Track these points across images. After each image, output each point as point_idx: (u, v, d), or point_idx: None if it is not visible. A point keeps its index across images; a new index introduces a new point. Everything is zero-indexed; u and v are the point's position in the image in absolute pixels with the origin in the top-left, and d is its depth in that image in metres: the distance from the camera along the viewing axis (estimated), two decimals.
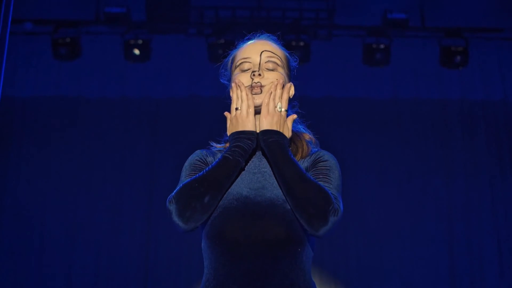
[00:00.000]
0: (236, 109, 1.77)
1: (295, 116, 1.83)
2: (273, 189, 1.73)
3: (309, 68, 6.27)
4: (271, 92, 1.77)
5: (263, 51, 1.83)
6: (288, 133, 1.77)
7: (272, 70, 1.81)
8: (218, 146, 1.92)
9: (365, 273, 6.30)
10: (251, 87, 1.78)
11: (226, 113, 1.81)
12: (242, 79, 1.80)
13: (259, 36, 1.91)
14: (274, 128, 1.73)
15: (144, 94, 6.73)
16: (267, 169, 1.78)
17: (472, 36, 6.53)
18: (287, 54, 1.91)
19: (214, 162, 1.72)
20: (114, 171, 6.51)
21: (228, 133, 1.79)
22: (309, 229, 1.64)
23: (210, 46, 6.26)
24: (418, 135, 6.67)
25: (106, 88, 6.71)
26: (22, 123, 6.62)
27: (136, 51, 6.39)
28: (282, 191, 1.70)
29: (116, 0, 6.39)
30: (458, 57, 6.37)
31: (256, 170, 1.78)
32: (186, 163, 1.85)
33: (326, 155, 1.82)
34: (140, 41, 6.36)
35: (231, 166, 1.70)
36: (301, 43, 6.18)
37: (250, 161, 1.80)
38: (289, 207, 1.69)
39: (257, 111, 1.80)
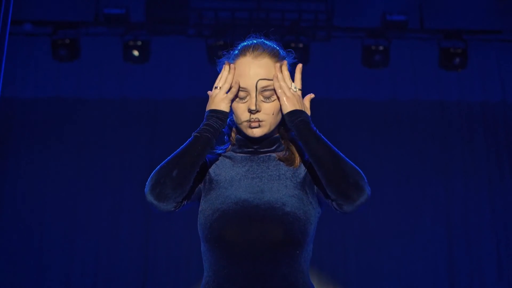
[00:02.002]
0: (216, 87, 1.79)
1: (312, 95, 1.84)
2: (271, 193, 1.74)
3: (308, 70, 6.23)
4: (277, 76, 1.77)
5: (258, 80, 1.78)
6: (308, 112, 1.79)
7: (269, 98, 1.78)
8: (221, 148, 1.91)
9: (364, 275, 6.30)
10: (249, 122, 1.77)
11: (208, 92, 1.83)
12: (239, 111, 1.79)
13: (253, 44, 1.84)
14: (297, 108, 1.75)
15: (143, 96, 6.73)
16: (265, 174, 1.79)
17: (471, 38, 6.53)
18: (282, 63, 1.84)
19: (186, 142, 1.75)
20: (113, 172, 6.51)
21: (206, 110, 1.81)
22: (345, 201, 1.65)
23: (209, 48, 6.26)
24: (417, 137, 6.67)
25: (105, 89, 6.71)
26: (21, 124, 6.62)
27: (135, 52, 6.39)
28: (315, 168, 1.70)
29: (115, 1, 6.39)
30: (457, 59, 6.37)
31: (254, 175, 1.79)
32: None
33: None
34: (139, 42, 6.36)
35: (200, 142, 1.72)
36: (300, 45, 6.19)
37: (248, 167, 1.81)
38: (288, 210, 1.70)
39: (259, 140, 1.81)
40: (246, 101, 1.78)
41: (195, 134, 1.75)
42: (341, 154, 1.70)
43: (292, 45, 6.09)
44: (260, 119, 1.77)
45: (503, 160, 6.61)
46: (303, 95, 1.84)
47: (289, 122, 1.75)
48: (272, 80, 1.78)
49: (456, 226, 6.44)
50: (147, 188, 1.70)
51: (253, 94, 1.77)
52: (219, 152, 1.89)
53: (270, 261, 1.66)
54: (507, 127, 6.68)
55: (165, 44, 6.65)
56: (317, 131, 1.73)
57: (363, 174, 1.68)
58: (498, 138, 6.67)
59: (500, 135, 6.68)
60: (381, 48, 6.35)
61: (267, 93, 1.78)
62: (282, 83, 1.76)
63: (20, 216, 6.35)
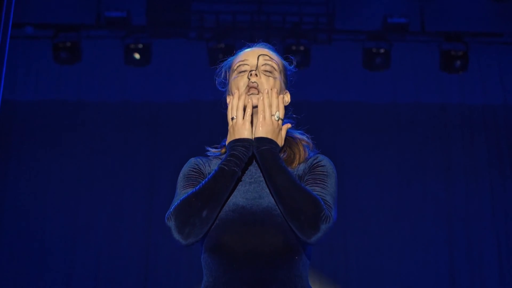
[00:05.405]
0: (232, 118, 1.77)
1: (289, 125, 1.83)
2: (269, 198, 1.73)
3: (309, 73, 6.28)
4: (264, 99, 1.76)
5: (260, 55, 1.84)
6: (281, 142, 1.77)
7: (270, 72, 1.81)
8: (214, 151, 1.91)
9: (365, 277, 6.30)
10: (248, 88, 1.78)
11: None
12: (239, 81, 1.81)
13: (256, 44, 1.92)
14: (269, 136, 1.73)
15: (144, 98, 6.73)
16: (263, 178, 1.77)
17: (472, 41, 6.54)
18: (284, 62, 1.92)
19: (210, 174, 1.71)
20: (115, 175, 6.52)
21: (227, 143, 1.79)
22: (302, 237, 1.65)
23: (210, 50, 6.27)
24: (418, 139, 6.68)
25: (106, 92, 6.71)
26: (23, 127, 6.63)
27: (137, 55, 6.40)
28: (273, 200, 1.70)
29: (116, 4, 6.41)
30: (458, 62, 6.37)
31: (252, 180, 1.78)
32: (181, 174, 1.83)
33: (324, 160, 1.82)
34: (140, 45, 6.37)
35: (227, 177, 1.69)
36: (301, 48, 6.19)
37: (246, 171, 1.80)
38: None
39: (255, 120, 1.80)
40: (246, 73, 1.81)
41: (222, 166, 1.70)
42: (303, 186, 1.67)
43: (293, 48, 6.10)
44: (259, 84, 1.78)
45: (504, 162, 6.61)
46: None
47: (255, 147, 1.73)
48: (273, 59, 1.84)
49: (457, 228, 6.43)
50: (174, 226, 1.66)
51: (254, 63, 1.82)
52: (215, 155, 1.89)
53: (269, 267, 1.66)
54: (508, 130, 6.68)
55: (166, 47, 6.65)
56: (282, 162, 1.71)
57: (323, 207, 1.63)
58: (499, 140, 6.68)
59: (501, 138, 6.68)
60: (382, 50, 6.35)
61: (267, 67, 1.82)
62: (267, 108, 1.75)
63: (21, 218, 6.35)
